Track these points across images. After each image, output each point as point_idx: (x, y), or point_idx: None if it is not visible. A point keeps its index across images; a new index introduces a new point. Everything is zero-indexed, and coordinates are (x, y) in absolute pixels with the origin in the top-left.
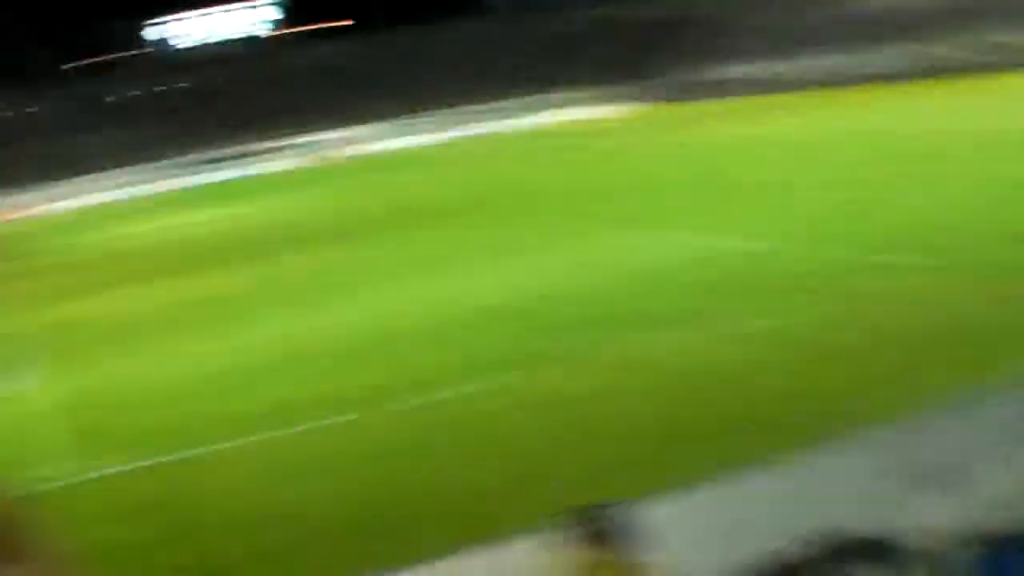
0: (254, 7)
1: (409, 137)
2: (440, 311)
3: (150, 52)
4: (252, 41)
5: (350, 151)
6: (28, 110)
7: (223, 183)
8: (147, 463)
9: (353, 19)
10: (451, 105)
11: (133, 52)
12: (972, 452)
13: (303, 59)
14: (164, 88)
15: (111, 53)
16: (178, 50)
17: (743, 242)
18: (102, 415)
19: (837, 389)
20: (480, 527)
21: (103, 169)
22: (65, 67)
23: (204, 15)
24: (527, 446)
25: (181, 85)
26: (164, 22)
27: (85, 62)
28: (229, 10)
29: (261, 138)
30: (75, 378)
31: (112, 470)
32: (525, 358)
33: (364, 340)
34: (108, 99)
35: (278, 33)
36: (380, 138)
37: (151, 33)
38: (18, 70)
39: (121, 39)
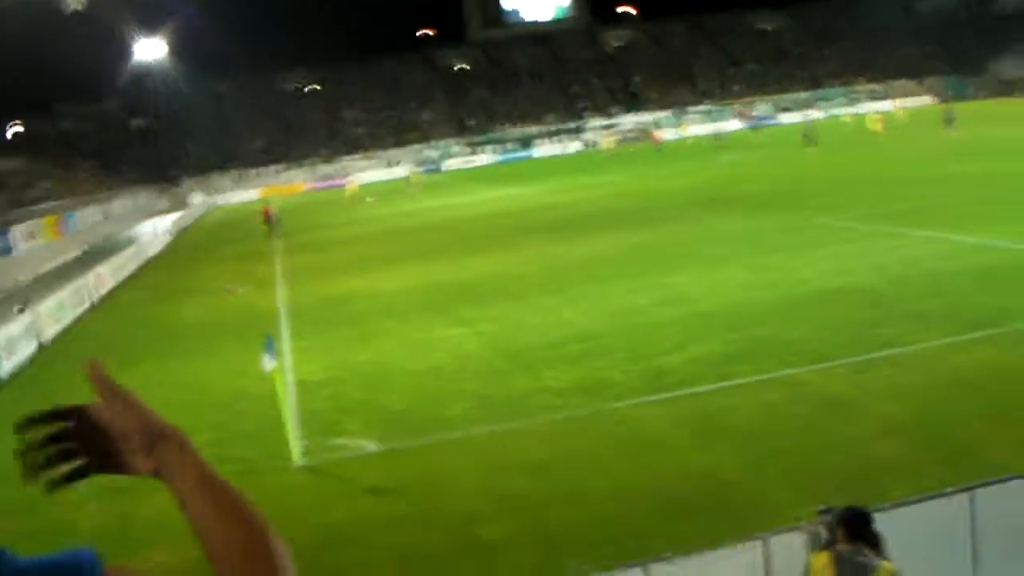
0: None
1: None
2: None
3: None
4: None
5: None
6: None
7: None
8: (407, 443)
9: None
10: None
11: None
12: None
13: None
14: None
15: None
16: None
17: None
18: (366, 391)
19: None
20: (745, 521)
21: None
22: None
23: None
24: (794, 442)
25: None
26: None
27: None
28: None
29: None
30: (347, 353)
31: (370, 448)
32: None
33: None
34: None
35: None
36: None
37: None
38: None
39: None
